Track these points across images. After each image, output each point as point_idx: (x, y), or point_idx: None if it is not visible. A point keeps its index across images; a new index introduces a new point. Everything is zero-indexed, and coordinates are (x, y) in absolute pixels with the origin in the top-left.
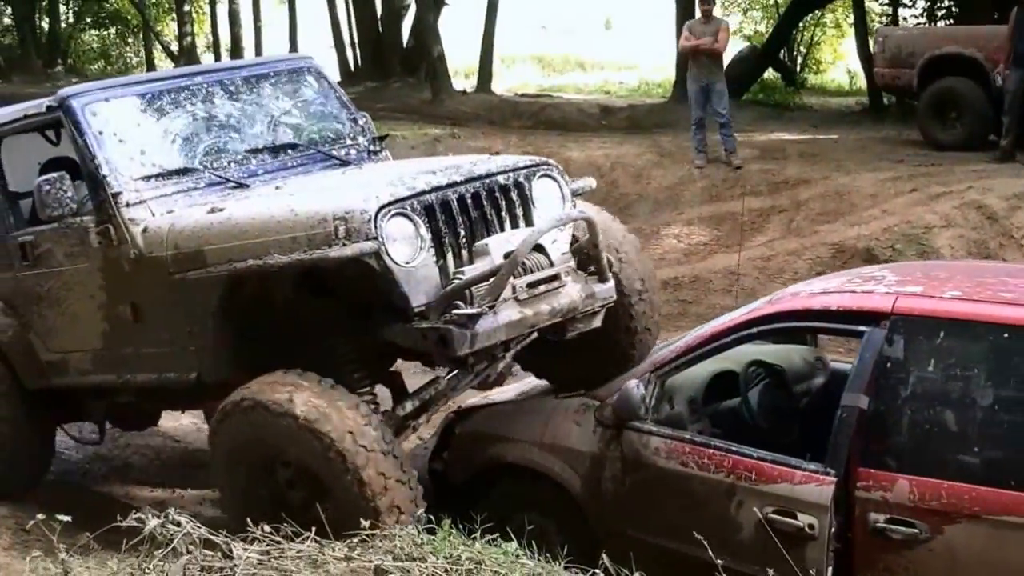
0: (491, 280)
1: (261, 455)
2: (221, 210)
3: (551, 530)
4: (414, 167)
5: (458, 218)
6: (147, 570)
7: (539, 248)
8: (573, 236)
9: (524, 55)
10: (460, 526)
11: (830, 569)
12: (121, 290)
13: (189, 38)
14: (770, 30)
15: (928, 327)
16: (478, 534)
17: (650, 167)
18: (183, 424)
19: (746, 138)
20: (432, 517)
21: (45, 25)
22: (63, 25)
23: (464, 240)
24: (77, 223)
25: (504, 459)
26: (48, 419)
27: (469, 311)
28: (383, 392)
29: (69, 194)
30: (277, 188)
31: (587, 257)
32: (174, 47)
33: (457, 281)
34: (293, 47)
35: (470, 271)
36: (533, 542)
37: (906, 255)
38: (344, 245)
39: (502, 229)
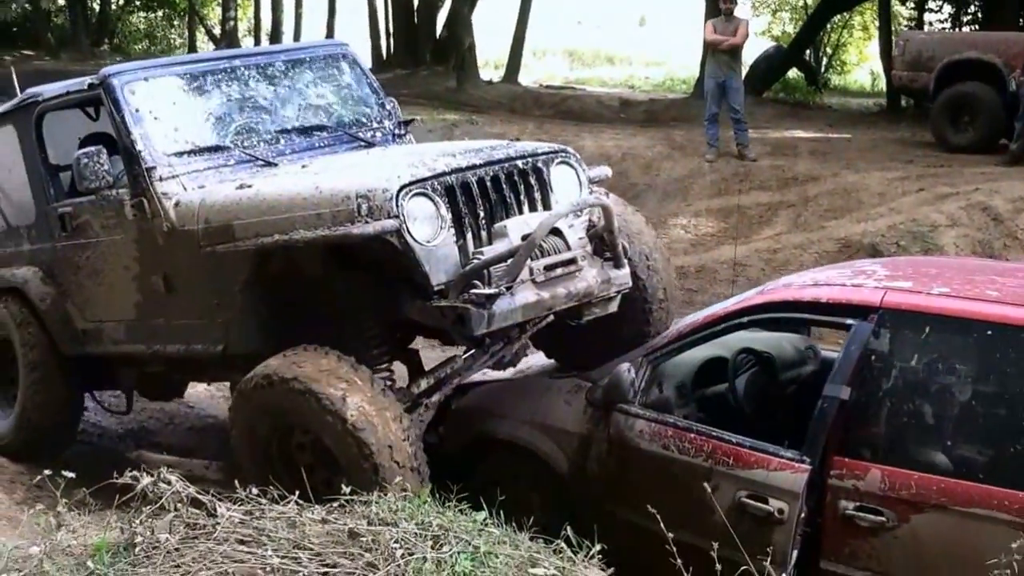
0: (509, 261)
1: (288, 425)
2: (250, 186)
3: (535, 505)
4: (436, 149)
5: (478, 200)
6: (137, 525)
7: (557, 232)
8: (590, 222)
9: (556, 48)
10: (444, 496)
11: (795, 553)
12: (154, 262)
13: (232, 22)
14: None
15: (914, 322)
16: (452, 503)
17: (660, 159)
18: (197, 391)
19: (761, 135)
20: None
21: (96, 6)
22: (113, 6)
23: (484, 221)
24: (113, 196)
25: (495, 435)
26: (80, 386)
27: (487, 291)
28: (400, 369)
29: (106, 167)
30: (303, 167)
31: (603, 243)
32: (217, 31)
33: (476, 261)
34: (330, 33)
35: (489, 251)
36: (502, 512)
37: (911, 252)
38: (366, 223)
39: (520, 212)
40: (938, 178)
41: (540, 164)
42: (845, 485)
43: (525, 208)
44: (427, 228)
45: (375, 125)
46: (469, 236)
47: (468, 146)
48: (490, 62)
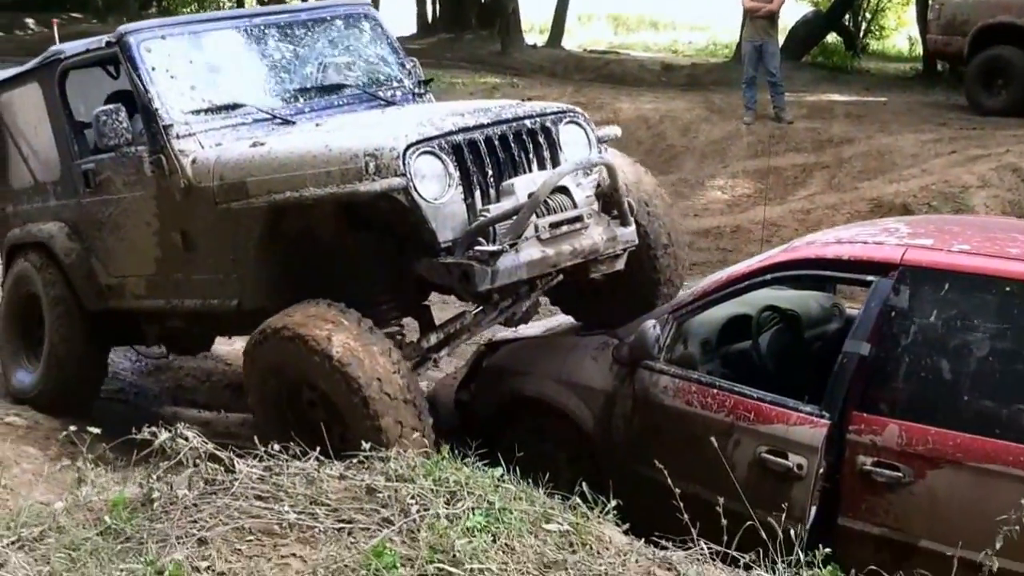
0: (513, 219)
1: (290, 377)
2: (263, 144)
3: (562, 461)
4: (448, 109)
5: (486, 158)
6: (153, 481)
7: (564, 191)
8: (599, 182)
9: (600, 13)
10: (463, 453)
11: (813, 509)
12: (172, 218)
13: None
14: None
15: (934, 279)
16: (471, 459)
17: (699, 122)
18: (235, 348)
19: (798, 98)
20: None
21: None
22: None
23: (491, 179)
24: (133, 153)
25: (523, 392)
26: (104, 340)
27: (490, 248)
28: (412, 324)
29: (125, 125)
30: (317, 125)
31: (611, 201)
32: None
33: (481, 218)
34: None
35: (495, 209)
36: (530, 469)
37: (941, 212)
38: (373, 180)
39: (529, 171)
40: (970, 140)
41: (549, 123)
42: (863, 441)
43: (534, 167)
44: (434, 186)
45: (395, 84)
46: (477, 194)
47: (478, 105)
48: (535, 27)
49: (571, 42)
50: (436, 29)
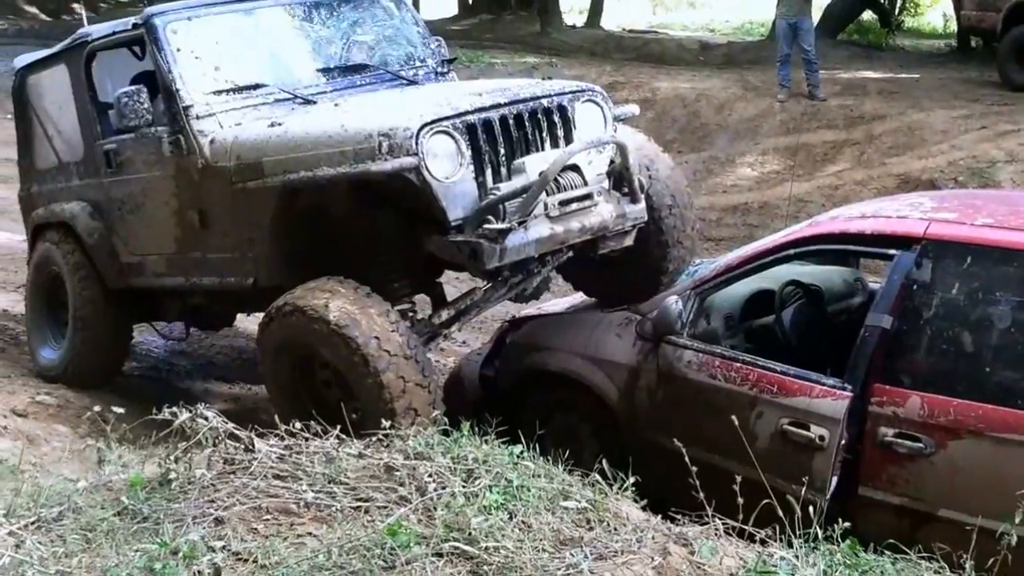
0: (522, 197)
1: (300, 356)
2: (280, 124)
3: (586, 434)
4: (466, 88)
5: (499, 137)
6: (171, 461)
7: (575, 169)
8: (611, 160)
9: None
10: (483, 430)
11: (835, 480)
12: (190, 197)
13: None
14: None
15: (957, 252)
16: (491, 436)
17: (733, 100)
18: None
19: (832, 76)
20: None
21: None
22: None
23: (505, 158)
24: (153, 133)
25: (547, 367)
26: (126, 318)
27: (499, 226)
28: (425, 301)
29: (145, 106)
30: (336, 105)
31: (622, 179)
32: None
33: (491, 197)
34: None
35: (505, 187)
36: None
37: (968, 187)
38: (385, 160)
39: (543, 150)
40: (1001, 116)
41: (565, 103)
42: (885, 412)
43: (548, 145)
44: (446, 165)
45: (418, 63)
46: (489, 173)
47: (496, 85)
48: (574, 7)
49: (610, 22)
50: (477, 10)
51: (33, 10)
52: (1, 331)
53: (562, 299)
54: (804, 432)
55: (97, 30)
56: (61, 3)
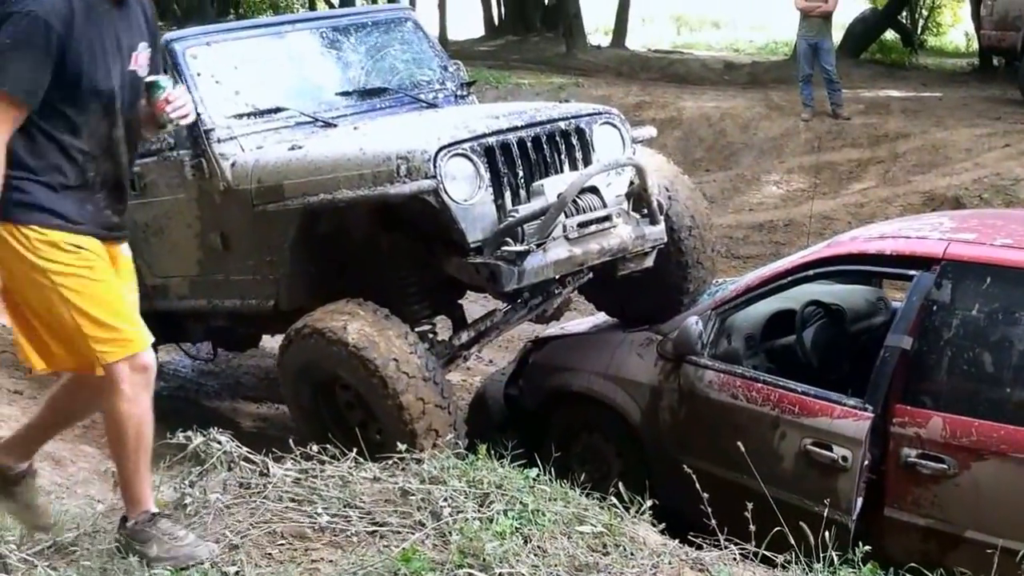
0: (541, 219)
1: (320, 378)
2: (300, 147)
3: (610, 453)
4: (485, 111)
5: (517, 160)
6: (185, 485)
7: (594, 191)
8: (631, 181)
9: (663, 14)
10: (499, 453)
11: (859, 500)
12: (212, 220)
13: None
14: None
15: (976, 272)
16: (507, 459)
17: (758, 119)
18: None
19: (854, 94)
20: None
21: None
22: None
23: (523, 181)
24: (175, 156)
25: (569, 387)
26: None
27: (517, 248)
28: (446, 322)
29: None
30: (355, 128)
31: (640, 201)
32: (337, 0)
33: (510, 219)
34: (442, 1)
35: (523, 210)
36: (547, 467)
37: (993, 205)
38: (404, 183)
39: (561, 172)
40: None
41: (583, 125)
42: (907, 433)
43: (566, 168)
44: (464, 188)
45: (437, 87)
46: (507, 195)
47: (515, 108)
48: (599, 28)
49: (635, 42)
50: (503, 31)
51: None
52: None
53: (584, 319)
54: (827, 452)
55: None
56: None
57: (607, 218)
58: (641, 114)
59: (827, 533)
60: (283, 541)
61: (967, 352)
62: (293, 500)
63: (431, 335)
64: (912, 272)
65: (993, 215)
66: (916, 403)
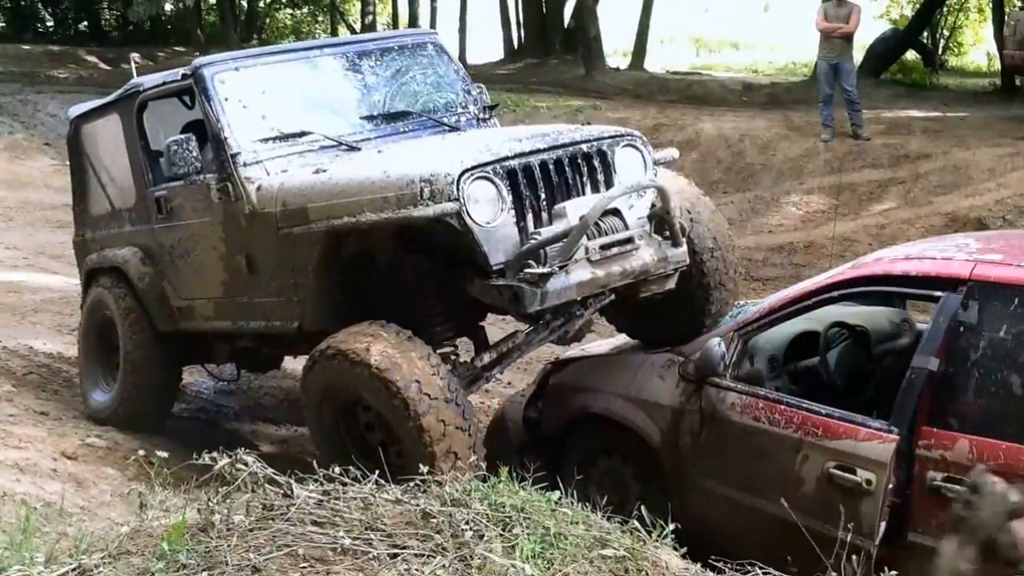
0: (563, 241)
1: (343, 399)
2: (324, 171)
3: (629, 476)
4: (507, 134)
5: (539, 182)
6: (212, 506)
7: (616, 213)
8: (653, 203)
9: (682, 35)
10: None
11: (883, 524)
12: (238, 243)
13: (371, 16)
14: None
15: (1003, 294)
16: (529, 482)
17: (777, 139)
18: None
19: (875, 115)
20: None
21: (245, 3)
22: (261, 3)
23: (545, 203)
24: (202, 180)
25: (590, 409)
26: (175, 361)
27: (540, 270)
28: (468, 344)
29: (194, 154)
30: (379, 152)
31: (662, 223)
32: (358, 25)
33: (532, 241)
34: (462, 25)
35: (545, 232)
36: (568, 490)
37: (1017, 225)
38: (427, 206)
39: (583, 194)
40: None
41: (605, 147)
42: (933, 456)
43: (588, 190)
44: (487, 210)
45: (460, 110)
46: (529, 217)
47: (537, 131)
48: (618, 50)
49: (654, 64)
50: (522, 55)
51: (93, 59)
52: (55, 374)
53: (605, 341)
54: (851, 476)
55: (148, 80)
56: (119, 53)
57: (629, 240)
58: (659, 136)
59: (851, 558)
60: (305, 564)
61: (994, 373)
62: (315, 522)
63: (453, 357)
64: (938, 293)
65: (1018, 236)
66: (942, 425)
